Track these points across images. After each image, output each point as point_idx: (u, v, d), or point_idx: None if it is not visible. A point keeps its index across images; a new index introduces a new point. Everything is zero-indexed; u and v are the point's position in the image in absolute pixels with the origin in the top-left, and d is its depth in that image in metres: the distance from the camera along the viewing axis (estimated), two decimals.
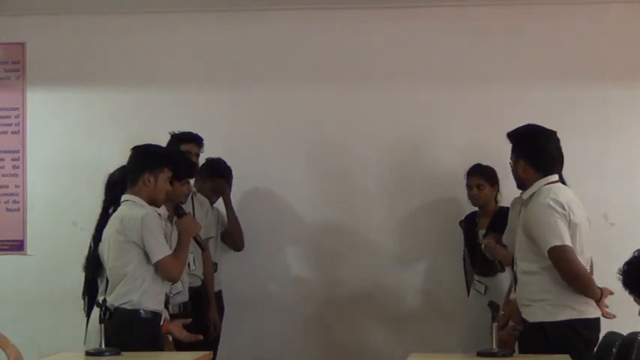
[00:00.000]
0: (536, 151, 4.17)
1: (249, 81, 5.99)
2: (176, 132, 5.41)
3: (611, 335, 4.15)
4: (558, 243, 3.94)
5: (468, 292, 5.57)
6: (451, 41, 5.88)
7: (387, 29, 5.93)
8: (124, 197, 4.38)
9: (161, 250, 4.26)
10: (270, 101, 5.99)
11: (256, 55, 5.98)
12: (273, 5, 5.97)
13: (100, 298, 4.52)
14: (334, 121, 5.94)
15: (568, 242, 3.96)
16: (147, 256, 4.25)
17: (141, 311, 4.23)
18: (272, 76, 5.99)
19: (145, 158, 4.38)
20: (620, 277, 3.33)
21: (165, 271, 4.29)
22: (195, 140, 5.42)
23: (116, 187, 4.70)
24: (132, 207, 4.31)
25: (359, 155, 5.94)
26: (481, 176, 5.47)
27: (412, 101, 5.89)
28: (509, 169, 4.38)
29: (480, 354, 3.97)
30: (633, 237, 5.29)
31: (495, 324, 3.98)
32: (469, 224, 5.55)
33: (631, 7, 5.79)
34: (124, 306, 4.21)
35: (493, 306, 4.15)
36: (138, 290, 4.22)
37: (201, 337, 4.48)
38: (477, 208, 5.55)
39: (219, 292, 5.67)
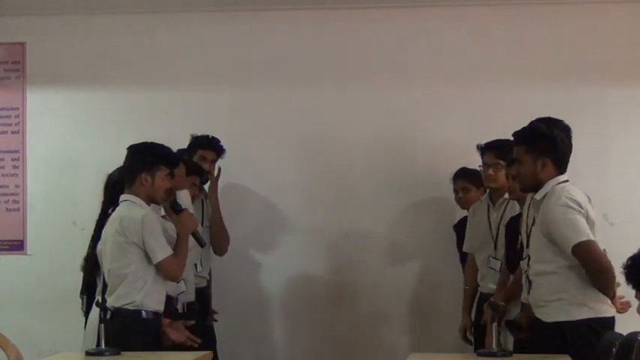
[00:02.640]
0: (562, 147, 4.05)
1: (248, 81, 6.00)
2: (198, 135, 5.48)
3: (611, 335, 4.14)
4: (584, 238, 3.87)
5: None
6: (451, 41, 5.89)
7: (386, 29, 5.93)
8: (122, 197, 4.37)
9: (162, 250, 4.25)
10: (269, 101, 5.99)
11: (256, 55, 5.98)
12: (273, 5, 5.97)
13: (98, 298, 4.52)
14: (334, 120, 5.95)
15: (592, 237, 3.90)
16: (148, 257, 4.24)
17: (142, 312, 4.22)
18: (272, 76, 5.99)
19: (140, 158, 4.37)
20: (624, 271, 3.32)
21: (167, 271, 4.28)
22: (213, 147, 5.45)
23: (115, 187, 4.70)
24: (131, 207, 4.30)
25: (359, 155, 5.94)
26: (466, 179, 5.44)
27: (412, 101, 5.90)
28: None
29: (479, 354, 3.97)
30: (633, 237, 5.30)
31: (495, 324, 3.97)
32: (462, 229, 5.52)
33: (631, 7, 5.80)
34: (126, 307, 4.20)
35: (493, 306, 4.15)
36: (140, 291, 4.21)
37: (199, 341, 4.42)
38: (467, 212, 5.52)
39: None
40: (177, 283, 4.59)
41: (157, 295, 4.29)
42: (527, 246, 4.22)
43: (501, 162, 4.98)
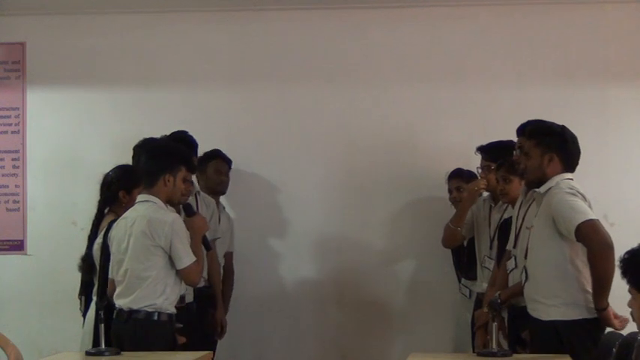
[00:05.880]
0: (571, 146, 4.12)
1: (249, 80, 6.00)
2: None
3: (611, 335, 4.15)
4: (591, 217, 3.90)
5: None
6: (451, 41, 5.89)
7: (387, 29, 5.93)
8: (140, 197, 4.28)
9: (188, 256, 4.19)
10: (269, 101, 6.00)
11: (256, 55, 5.99)
12: (273, 5, 5.97)
13: (95, 298, 4.51)
14: (333, 120, 5.95)
15: (596, 217, 3.92)
16: (170, 261, 4.18)
17: (159, 314, 4.17)
18: (272, 76, 5.99)
19: (164, 159, 4.29)
20: (620, 265, 3.33)
21: (190, 276, 4.24)
22: (180, 139, 5.21)
23: (111, 186, 4.71)
24: (156, 209, 4.21)
25: (359, 155, 5.94)
26: (460, 179, 5.47)
27: (412, 101, 5.90)
28: None
29: (479, 354, 3.97)
30: (633, 237, 5.28)
31: (495, 324, 3.97)
32: None
33: (631, 7, 5.80)
34: (144, 309, 4.15)
35: (493, 306, 4.14)
36: (161, 296, 4.16)
37: (184, 339, 4.39)
38: None
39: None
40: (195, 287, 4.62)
41: (174, 298, 4.25)
42: (515, 245, 4.28)
43: (490, 165, 5.05)
